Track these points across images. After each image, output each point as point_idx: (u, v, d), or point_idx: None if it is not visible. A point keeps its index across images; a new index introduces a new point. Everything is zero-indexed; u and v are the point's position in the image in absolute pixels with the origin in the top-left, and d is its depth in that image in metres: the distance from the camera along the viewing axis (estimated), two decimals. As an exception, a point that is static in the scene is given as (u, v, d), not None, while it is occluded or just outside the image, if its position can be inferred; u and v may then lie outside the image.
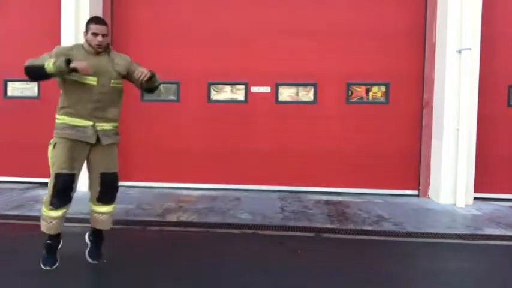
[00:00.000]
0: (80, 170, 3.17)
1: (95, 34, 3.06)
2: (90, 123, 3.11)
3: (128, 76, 3.30)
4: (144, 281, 3.10)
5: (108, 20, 6.64)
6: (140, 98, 6.72)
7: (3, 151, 6.90)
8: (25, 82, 6.89)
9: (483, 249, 4.05)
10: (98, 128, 3.15)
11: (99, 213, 3.28)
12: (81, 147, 3.12)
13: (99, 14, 6.57)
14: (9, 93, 6.97)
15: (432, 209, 5.61)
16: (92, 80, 3.07)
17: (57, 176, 3.03)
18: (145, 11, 6.72)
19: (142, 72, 3.08)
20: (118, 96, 3.27)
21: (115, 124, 3.28)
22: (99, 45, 3.09)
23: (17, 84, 6.93)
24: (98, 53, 3.14)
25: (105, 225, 3.32)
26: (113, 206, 3.34)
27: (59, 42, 6.28)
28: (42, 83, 6.73)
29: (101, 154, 3.19)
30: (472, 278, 3.32)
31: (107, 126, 3.20)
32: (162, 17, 6.68)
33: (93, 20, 3.12)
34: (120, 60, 3.26)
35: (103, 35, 3.08)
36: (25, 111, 6.79)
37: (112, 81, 3.17)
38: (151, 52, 6.69)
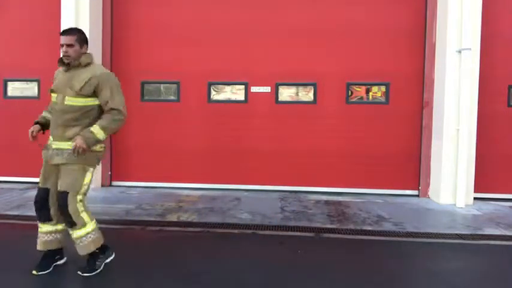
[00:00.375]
0: (55, 186, 3.10)
1: (61, 45, 3.06)
2: (51, 141, 3.13)
3: (96, 94, 3.05)
4: (144, 281, 3.10)
5: (108, 20, 6.65)
6: (140, 98, 6.73)
7: (3, 151, 6.89)
8: (25, 82, 6.90)
9: (483, 249, 4.05)
10: (54, 147, 3.07)
11: (70, 234, 3.09)
12: (51, 164, 3.11)
13: (99, 14, 6.58)
14: (9, 93, 6.96)
15: (432, 209, 5.61)
16: (53, 97, 3.13)
17: (37, 190, 3.21)
18: (145, 10, 6.72)
19: (75, 146, 2.92)
20: (82, 115, 3.03)
21: None
22: (65, 56, 3.05)
23: (17, 84, 6.93)
24: (68, 66, 3.08)
25: (78, 249, 3.10)
26: (75, 231, 3.02)
27: (58, 42, 6.24)
28: (42, 83, 6.74)
29: (61, 172, 3.05)
30: (472, 278, 3.32)
31: (64, 145, 3.02)
32: (162, 16, 6.67)
33: (61, 32, 3.12)
34: (84, 76, 3.01)
35: (68, 45, 3.03)
36: (25, 111, 6.76)
37: (67, 98, 3.01)
38: (151, 52, 6.70)
